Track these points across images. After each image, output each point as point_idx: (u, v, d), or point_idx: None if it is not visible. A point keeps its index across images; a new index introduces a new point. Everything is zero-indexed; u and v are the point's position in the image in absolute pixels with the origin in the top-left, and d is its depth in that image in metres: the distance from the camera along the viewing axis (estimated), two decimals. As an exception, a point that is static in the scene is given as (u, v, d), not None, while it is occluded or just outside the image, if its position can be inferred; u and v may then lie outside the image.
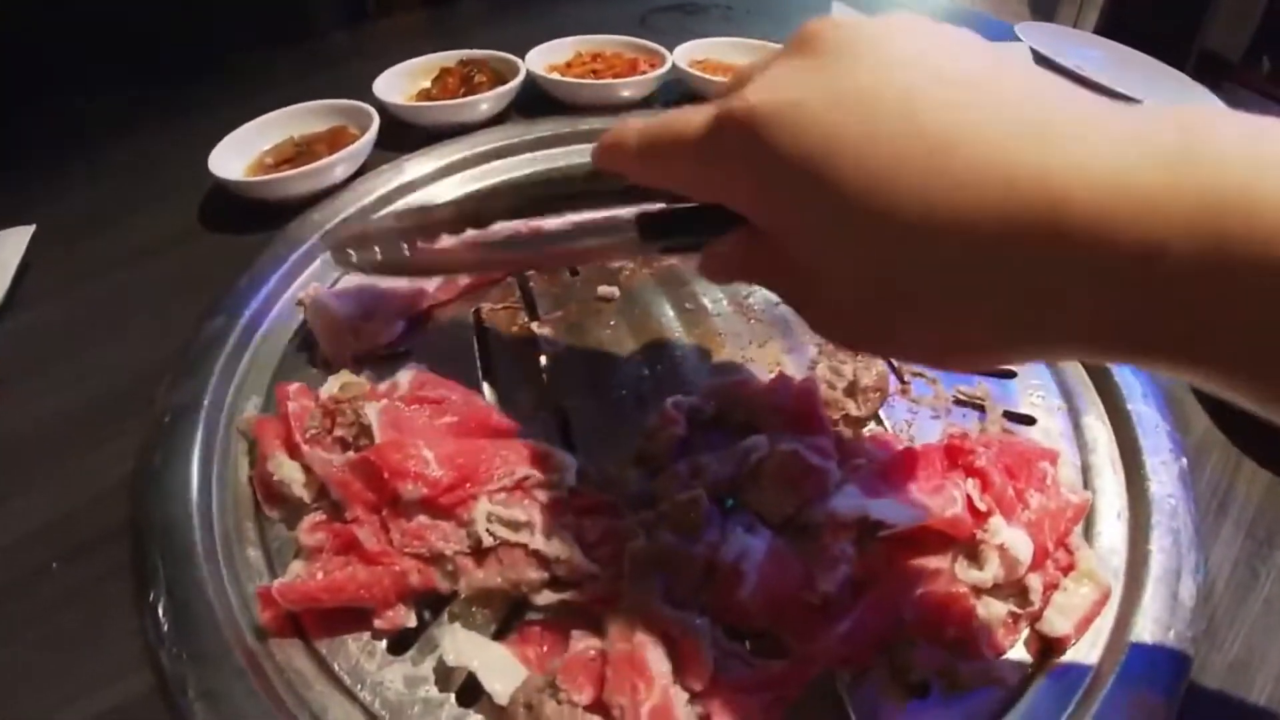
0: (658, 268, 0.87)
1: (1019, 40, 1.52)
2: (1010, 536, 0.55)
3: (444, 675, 0.53)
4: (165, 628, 0.54)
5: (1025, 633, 0.57)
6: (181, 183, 0.99)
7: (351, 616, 0.55)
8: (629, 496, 0.60)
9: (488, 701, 0.50)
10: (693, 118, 0.45)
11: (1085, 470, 0.69)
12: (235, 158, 0.98)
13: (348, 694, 0.52)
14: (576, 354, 0.77)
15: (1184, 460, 0.69)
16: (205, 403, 0.69)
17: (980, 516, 0.56)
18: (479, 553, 0.55)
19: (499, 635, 0.55)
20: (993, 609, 0.55)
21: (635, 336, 0.78)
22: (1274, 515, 0.70)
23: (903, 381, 0.76)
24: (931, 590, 0.55)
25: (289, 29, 1.59)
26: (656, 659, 0.49)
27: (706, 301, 0.83)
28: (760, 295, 0.85)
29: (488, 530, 0.55)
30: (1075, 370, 0.79)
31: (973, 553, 0.56)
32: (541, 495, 0.58)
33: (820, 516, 0.56)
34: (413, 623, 0.56)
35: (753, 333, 0.80)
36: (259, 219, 0.91)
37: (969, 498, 0.56)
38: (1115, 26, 1.70)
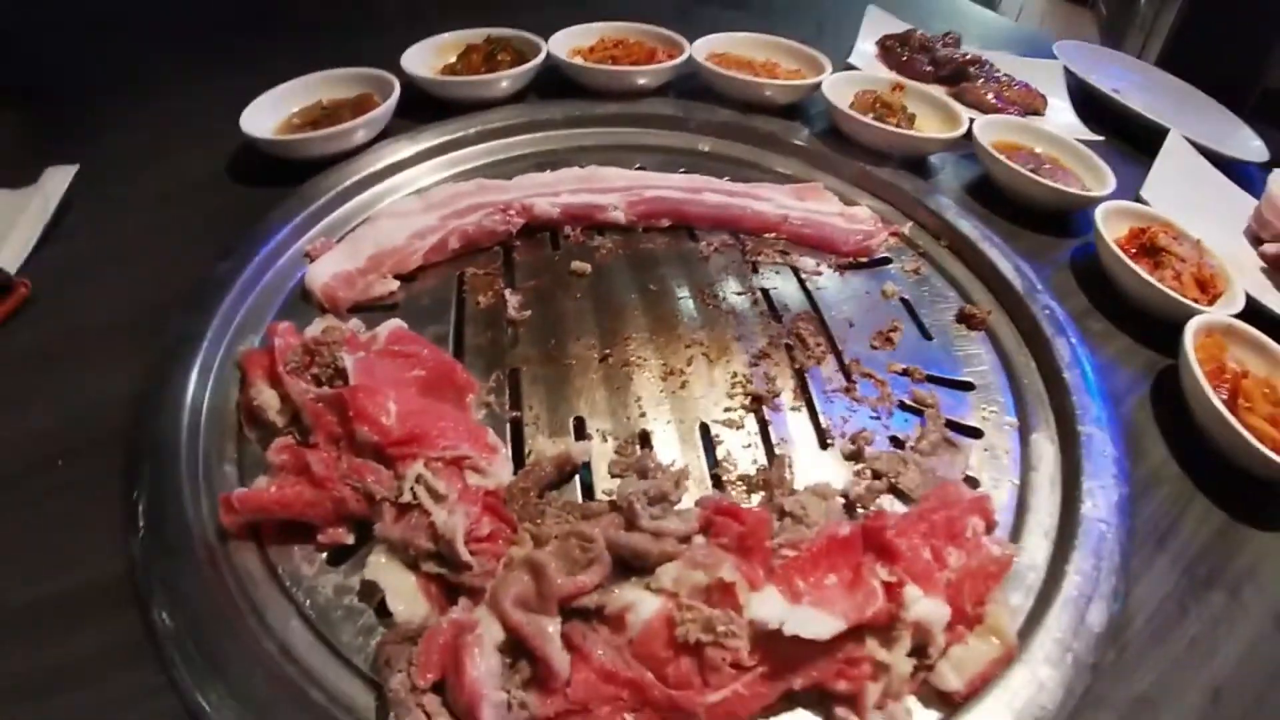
0: (634, 249, 0.98)
1: (1055, 59, 1.57)
2: (925, 609, 0.58)
3: (368, 591, 0.63)
4: (141, 522, 0.66)
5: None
6: (215, 133, 1.11)
7: (301, 530, 0.66)
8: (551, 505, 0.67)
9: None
10: None
11: (1023, 487, 0.75)
12: (266, 116, 1.10)
13: (286, 594, 0.63)
14: (540, 321, 0.88)
15: (1125, 489, 0.74)
16: (208, 335, 0.81)
17: (895, 595, 0.59)
18: (401, 506, 0.64)
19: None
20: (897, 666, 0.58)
21: (597, 311, 0.89)
22: (1221, 557, 0.74)
23: (849, 380, 0.84)
24: (830, 660, 0.58)
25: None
26: (480, 658, 0.55)
27: (672, 285, 0.93)
28: (724, 286, 0.94)
29: (412, 489, 0.64)
30: (1035, 387, 0.86)
31: (885, 630, 0.59)
32: (471, 478, 0.67)
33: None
34: (350, 541, 0.66)
35: (707, 317, 0.89)
36: (282, 174, 1.04)
37: (885, 585, 0.59)
38: (1177, 58, 1.70)
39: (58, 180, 1.04)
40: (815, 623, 0.55)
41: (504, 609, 0.57)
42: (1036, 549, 0.70)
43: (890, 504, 0.73)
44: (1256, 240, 1.18)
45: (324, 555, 0.66)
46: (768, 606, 0.57)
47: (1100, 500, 0.72)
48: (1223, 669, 0.66)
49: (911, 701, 0.59)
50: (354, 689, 0.58)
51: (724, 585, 0.58)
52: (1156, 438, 0.85)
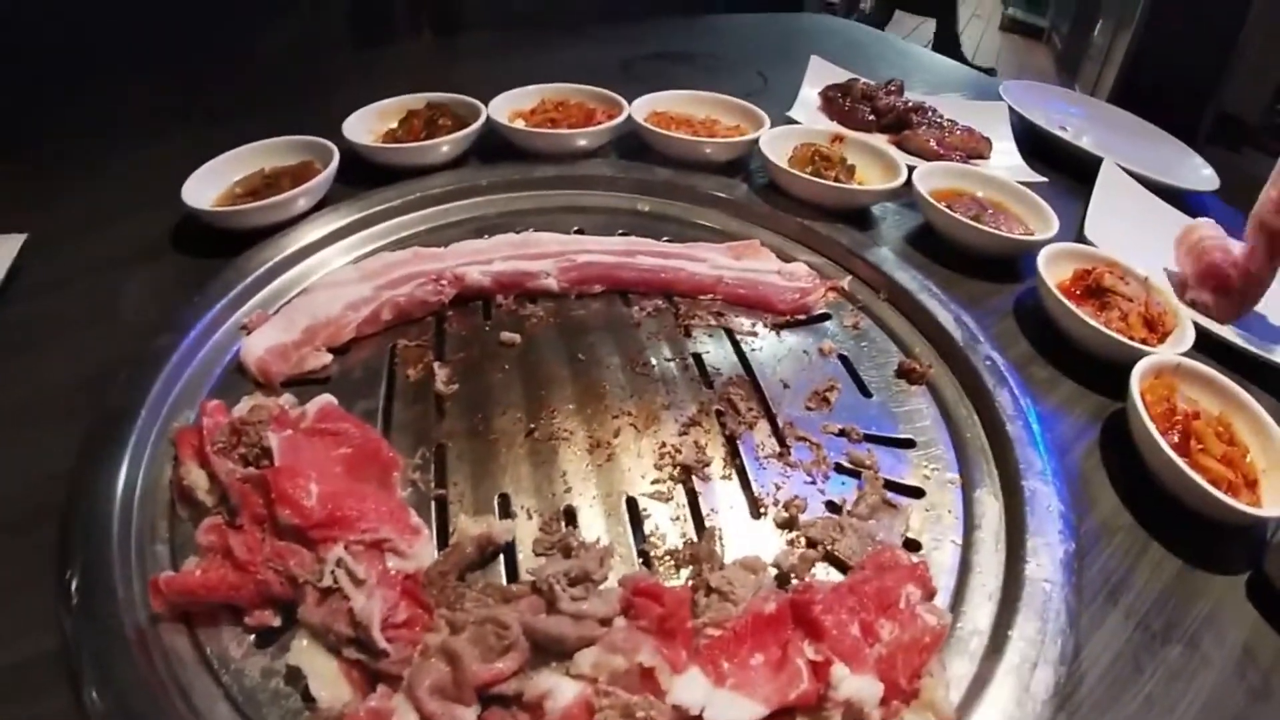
0: (565, 316, 1.01)
1: (1001, 100, 1.62)
2: (856, 687, 0.59)
3: (294, 674, 0.64)
4: (74, 601, 0.68)
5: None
6: (161, 200, 1.12)
7: (230, 611, 0.68)
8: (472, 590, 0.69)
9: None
10: None
11: (966, 547, 0.76)
12: (209, 185, 1.13)
13: (213, 676, 0.65)
14: (467, 394, 0.90)
15: (1070, 544, 0.74)
16: (142, 412, 0.83)
17: (823, 674, 0.60)
18: (323, 590, 0.66)
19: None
20: None
21: (525, 383, 0.91)
22: (1178, 606, 0.74)
23: (783, 445, 0.85)
24: None
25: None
26: None
27: (602, 353, 0.95)
28: (655, 352, 0.96)
29: (333, 573, 0.66)
30: (978, 441, 0.87)
31: (815, 710, 0.60)
32: (391, 561, 0.69)
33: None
34: (277, 623, 0.68)
35: (636, 386, 0.91)
36: (225, 242, 1.06)
37: (812, 664, 0.60)
38: (1132, 87, 1.76)
39: (5, 249, 1.06)
40: (737, 708, 0.56)
41: (419, 698, 0.58)
42: (980, 612, 0.70)
43: (826, 572, 0.73)
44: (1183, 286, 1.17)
45: (252, 637, 0.67)
46: (689, 691, 0.58)
47: (1045, 559, 0.73)
48: (1181, 724, 0.66)
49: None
50: (277, 773, 0.59)
51: (644, 670, 0.59)
52: (1106, 486, 0.86)
